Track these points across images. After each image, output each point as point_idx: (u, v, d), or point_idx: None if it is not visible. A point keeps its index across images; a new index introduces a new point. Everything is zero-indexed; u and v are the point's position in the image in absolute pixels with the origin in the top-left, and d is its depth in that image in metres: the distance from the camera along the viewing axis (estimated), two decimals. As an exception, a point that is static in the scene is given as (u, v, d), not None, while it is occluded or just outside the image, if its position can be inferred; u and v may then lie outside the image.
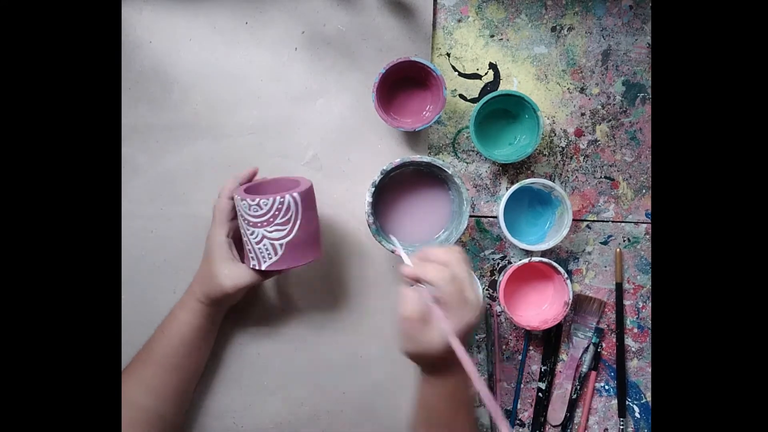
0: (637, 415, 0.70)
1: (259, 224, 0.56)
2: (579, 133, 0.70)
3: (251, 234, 0.57)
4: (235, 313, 0.68)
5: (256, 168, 0.63)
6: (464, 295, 0.49)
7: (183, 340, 0.60)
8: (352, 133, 0.69)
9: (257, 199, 0.56)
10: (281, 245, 0.57)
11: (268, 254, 0.57)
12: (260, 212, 0.56)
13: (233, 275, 0.59)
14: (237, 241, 0.62)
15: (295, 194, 0.56)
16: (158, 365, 0.60)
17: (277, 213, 0.56)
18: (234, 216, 0.61)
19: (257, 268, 0.58)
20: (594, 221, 0.70)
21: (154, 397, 0.59)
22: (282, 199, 0.56)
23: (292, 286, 0.69)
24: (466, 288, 0.50)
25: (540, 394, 0.69)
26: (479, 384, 0.46)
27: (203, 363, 0.65)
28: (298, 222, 0.57)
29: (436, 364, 0.52)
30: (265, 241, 0.57)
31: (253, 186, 0.62)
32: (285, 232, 0.57)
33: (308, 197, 0.58)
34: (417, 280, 0.51)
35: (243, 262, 0.60)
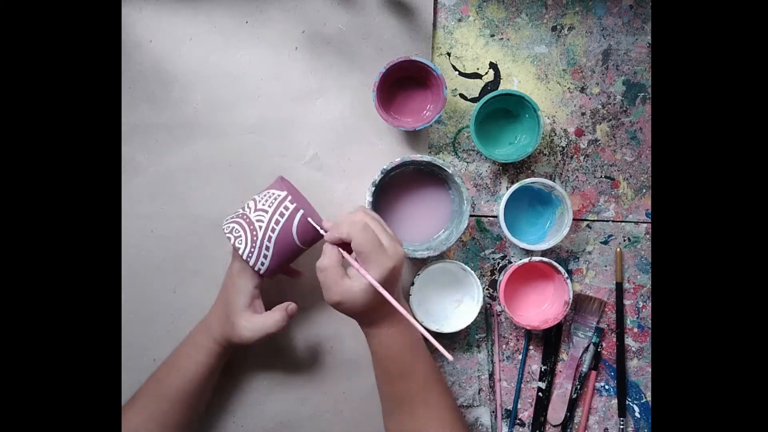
0: (637, 414, 0.70)
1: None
2: (579, 133, 0.70)
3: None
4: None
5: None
6: (379, 241, 0.53)
7: (197, 378, 0.60)
8: (352, 132, 0.69)
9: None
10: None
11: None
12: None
13: (254, 328, 0.59)
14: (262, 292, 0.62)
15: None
16: (170, 402, 0.59)
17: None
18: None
19: (249, 264, 0.58)
20: (594, 221, 0.70)
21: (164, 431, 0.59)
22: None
23: (291, 288, 0.69)
24: (380, 234, 0.53)
25: (540, 393, 0.69)
26: (413, 321, 0.52)
27: (210, 398, 0.65)
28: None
29: (368, 315, 0.55)
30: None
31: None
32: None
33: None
34: (338, 244, 0.55)
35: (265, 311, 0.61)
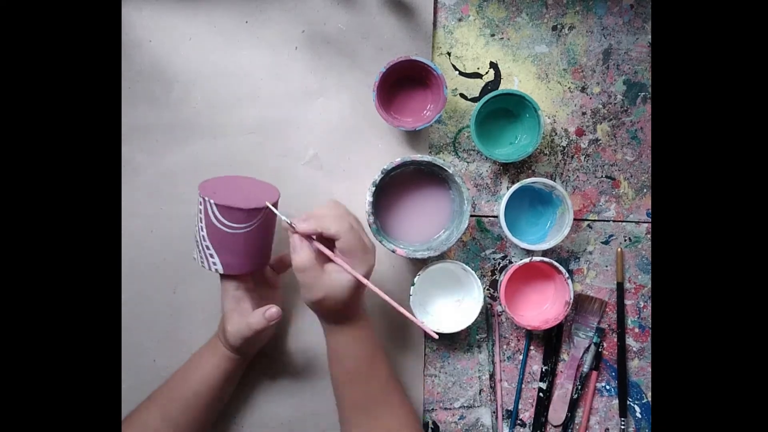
0: (638, 415, 0.70)
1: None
2: (580, 133, 0.70)
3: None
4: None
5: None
6: (363, 241, 0.53)
7: (211, 381, 0.60)
8: (352, 132, 0.69)
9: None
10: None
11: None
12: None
13: (234, 330, 0.58)
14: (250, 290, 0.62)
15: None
16: (184, 404, 0.60)
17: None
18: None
19: (205, 267, 0.58)
20: (595, 221, 0.70)
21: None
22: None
23: (291, 287, 0.68)
24: (363, 234, 0.54)
25: (541, 394, 0.69)
26: (392, 302, 0.52)
27: (225, 402, 0.65)
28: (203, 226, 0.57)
29: (339, 313, 0.55)
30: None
31: (221, 188, 0.60)
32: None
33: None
34: (313, 236, 0.53)
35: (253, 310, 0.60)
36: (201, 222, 0.57)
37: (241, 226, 0.56)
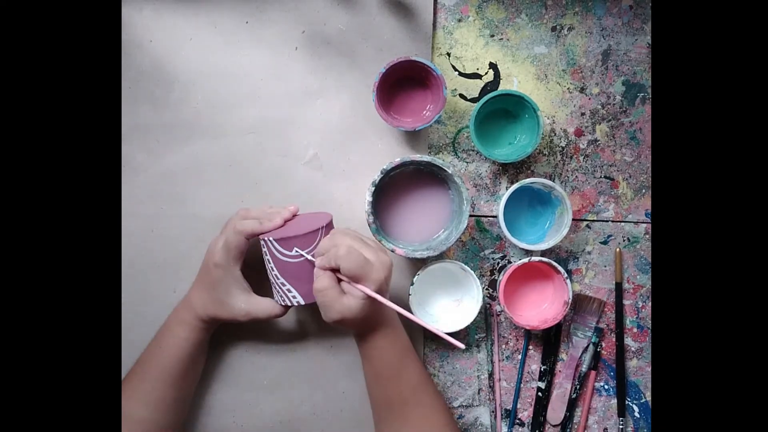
0: (637, 414, 0.70)
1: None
2: (579, 133, 0.70)
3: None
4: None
5: (282, 221, 0.61)
6: (365, 258, 0.55)
7: (182, 355, 0.61)
8: (352, 132, 0.69)
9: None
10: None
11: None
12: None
13: (255, 309, 0.61)
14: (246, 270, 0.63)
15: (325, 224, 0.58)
16: (156, 379, 0.60)
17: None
18: (245, 250, 0.61)
19: (287, 305, 0.60)
20: (594, 221, 0.70)
21: (153, 410, 0.59)
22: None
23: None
24: (364, 251, 0.55)
25: (539, 393, 0.69)
26: (406, 313, 0.55)
27: (200, 373, 0.66)
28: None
29: (365, 326, 0.57)
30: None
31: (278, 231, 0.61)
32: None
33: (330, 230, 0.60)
34: (331, 270, 0.56)
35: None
36: (270, 263, 0.59)
37: (304, 252, 0.58)
